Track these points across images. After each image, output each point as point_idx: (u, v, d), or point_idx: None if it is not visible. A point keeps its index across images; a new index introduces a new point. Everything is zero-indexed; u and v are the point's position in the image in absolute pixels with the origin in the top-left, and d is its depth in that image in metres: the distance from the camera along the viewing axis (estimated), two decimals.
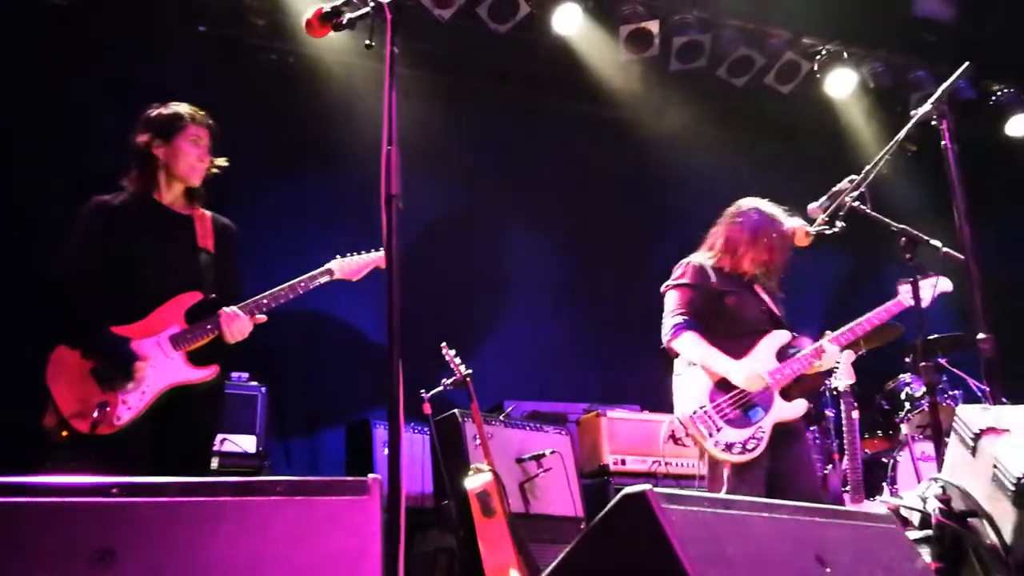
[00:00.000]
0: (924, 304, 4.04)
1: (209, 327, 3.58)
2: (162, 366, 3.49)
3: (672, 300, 4.33)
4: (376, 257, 3.94)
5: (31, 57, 6.00)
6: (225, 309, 3.61)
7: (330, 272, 3.87)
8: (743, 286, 4.33)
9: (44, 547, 1.69)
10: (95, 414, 3.34)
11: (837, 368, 5.06)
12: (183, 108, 3.76)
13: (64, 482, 1.77)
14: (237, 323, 3.59)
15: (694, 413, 4.09)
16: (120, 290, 3.54)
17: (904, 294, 4.25)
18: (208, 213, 3.82)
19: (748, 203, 4.43)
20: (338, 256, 3.91)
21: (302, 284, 3.77)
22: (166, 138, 3.68)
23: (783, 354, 4.27)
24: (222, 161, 3.80)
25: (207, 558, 1.78)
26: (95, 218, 3.63)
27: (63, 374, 3.42)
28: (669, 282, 4.39)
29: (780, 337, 4.27)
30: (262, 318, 3.68)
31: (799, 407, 4.20)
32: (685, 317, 4.22)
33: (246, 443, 5.34)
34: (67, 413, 3.36)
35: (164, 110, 3.75)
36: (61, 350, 3.46)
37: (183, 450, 3.54)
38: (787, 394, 4.19)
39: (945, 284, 4.26)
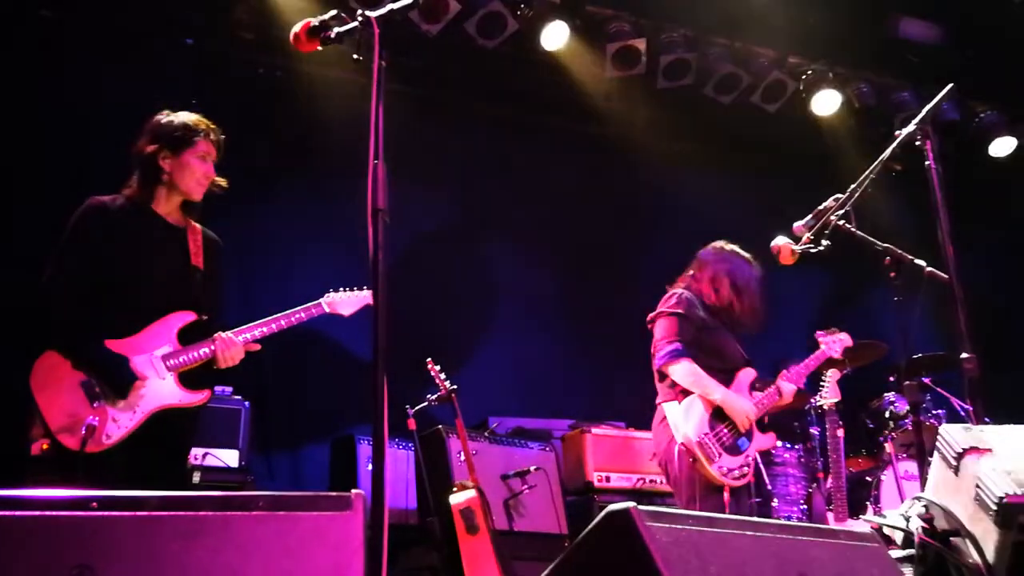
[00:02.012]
0: (835, 355, 4.92)
1: (204, 351, 3.53)
2: (156, 387, 3.43)
3: (665, 327, 4.54)
4: (367, 295, 3.91)
5: (20, 68, 5.97)
6: (222, 334, 3.56)
7: (321, 307, 3.86)
8: (722, 323, 4.64)
9: (21, 562, 1.67)
10: (83, 431, 3.22)
11: (823, 387, 5.17)
12: (193, 120, 3.67)
13: (42, 496, 1.74)
14: (233, 350, 3.56)
15: (698, 439, 4.31)
16: (113, 301, 3.46)
17: (824, 345, 4.92)
18: (199, 227, 3.77)
19: (729, 247, 4.76)
20: (331, 290, 3.92)
21: (296, 316, 3.73)
22: (174, 151, 3.60)
23: (750, 390, 4.66)
24: (222, 181, 3.74)
25: (187, 574, 1.76)
26: (91, 221, 3.52)
27: (51, 384, 3.30)
28: (662, 309, 4.62)
29: (749, 375, 4.65)
30: (256, 347, 3.64)
31: (770, 439, 4.69)
32: (681, 344, 4.45)
33: (229, 458, 5.29)
34: (55, 427, 3.25)
35: (175, 120, 3.65)
36: (50, 355, 3.34)
37: (160, 464, 3.47)
38: (762, 426, 4.63)
39: (846, 339, 4.96)
